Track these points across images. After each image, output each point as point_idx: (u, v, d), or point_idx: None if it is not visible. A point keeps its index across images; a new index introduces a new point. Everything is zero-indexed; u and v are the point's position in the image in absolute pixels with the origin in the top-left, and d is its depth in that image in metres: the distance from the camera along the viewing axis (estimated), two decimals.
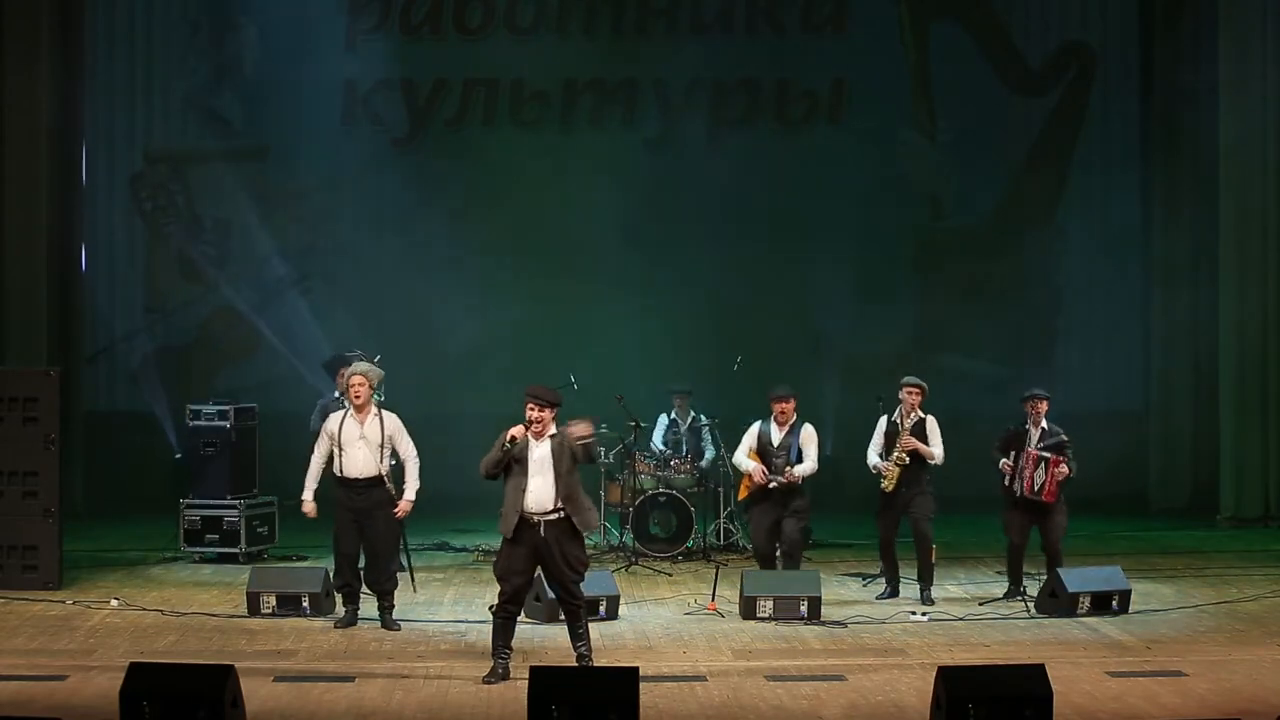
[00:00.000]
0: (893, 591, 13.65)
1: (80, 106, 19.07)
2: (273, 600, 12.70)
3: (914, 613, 12.87)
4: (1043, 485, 13.14)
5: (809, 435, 13.48)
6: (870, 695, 10.29)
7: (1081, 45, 20.05)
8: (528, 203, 19.22)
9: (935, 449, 13.36)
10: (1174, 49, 19.42)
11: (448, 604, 13.41)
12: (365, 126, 19.68)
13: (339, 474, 12.28)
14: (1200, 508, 18.84)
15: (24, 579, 13.53)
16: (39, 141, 18.13)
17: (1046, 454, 13.17)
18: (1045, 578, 13.13)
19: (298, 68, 19.10)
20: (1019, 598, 13.16)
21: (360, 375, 12.37)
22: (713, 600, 13.12)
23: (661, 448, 16.38)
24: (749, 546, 14.67)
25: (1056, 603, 12.82)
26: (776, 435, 13.47)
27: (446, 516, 16.72)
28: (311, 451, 12.47)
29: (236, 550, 15.31)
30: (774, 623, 12.44)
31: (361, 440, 12.22)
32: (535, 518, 10.69)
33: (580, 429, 10.76)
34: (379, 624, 12.29)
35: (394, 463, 12.42)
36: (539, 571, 11.01)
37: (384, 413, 12.39)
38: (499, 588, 10.84)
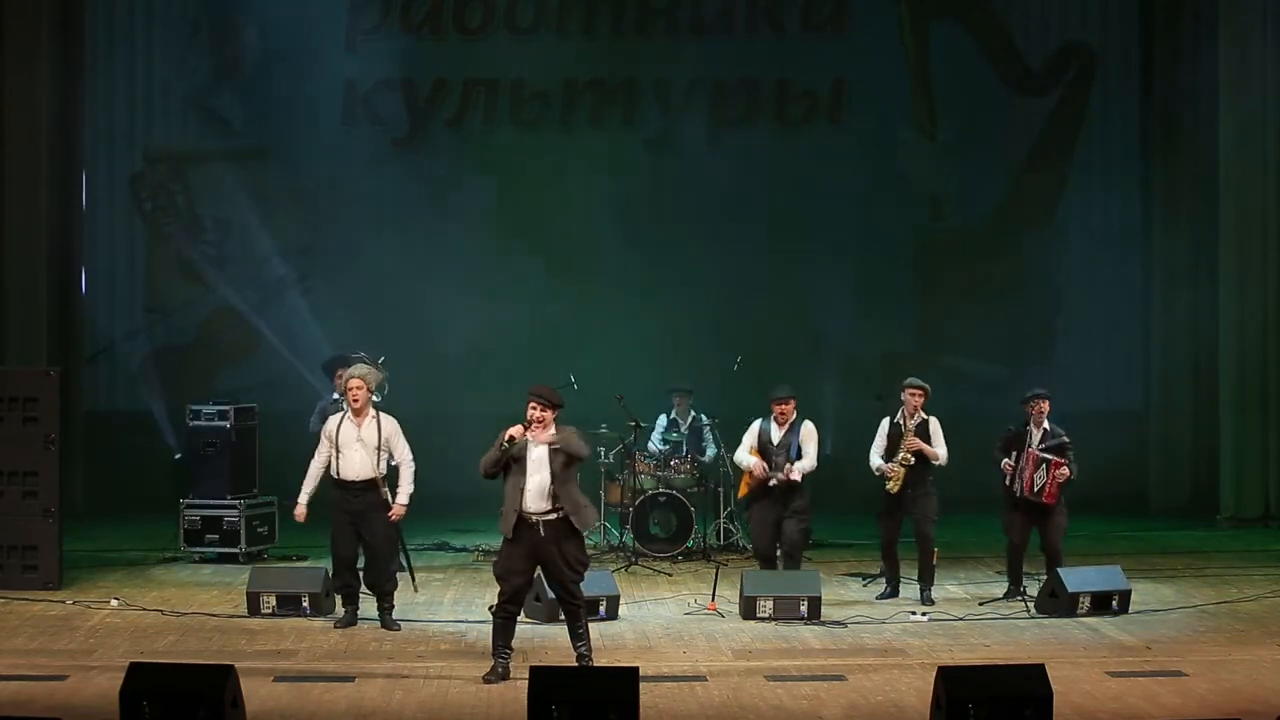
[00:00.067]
0: (893, 592, 13.65)
1: (80, 106, 19.07)
2: (273, 600, 12.70)
3: (914, 613, 12.87)
4: (1043, 487, 13.13)
5: (809, 432, 13.48)
6: (870, 695, 10.28)
7: (1081, 45, 20.04)
8: (528, 203, 19.23)
9: (939, 450, 13.37)
10: (1174, 49, 19.40)
11: (448, 604, 13.40)
12: (365, 126, 19.67)
13: (335, 476, 12.28)
14: (1200, 508, 18.82)
15: (24, 579, 13.53)
16: (39, 141, 18.13)
17: (1048, 455, 13.17)
18: (1045, 578, 13.13)
19: (298, 68, 19.09)
20: (1019, 598, 13.16)
21: (359, 378, 12.35)
22: (713, 600, 13.12)
23: (662, 447, 16.38)
24: (749, 546, 14.67)
25: (1056, 603, 12.81)
26: (777, 434, 13.47)
27: (446, 516, 16.74)
28: (312, 454, 12.46)
29: (236, 550, 15.31)
30: (774, 623, 12.43)
31: (358, 443, 12.21)
32: (534, 517, 10.69)
33: (547, 435, 10.72)
34: (379, 624, 12.28)
35: (392, 464, 12.41)
36: (539, 571, 11.01)
37: (382, 416, 12.38)
38: (499, 588, 10.85)
